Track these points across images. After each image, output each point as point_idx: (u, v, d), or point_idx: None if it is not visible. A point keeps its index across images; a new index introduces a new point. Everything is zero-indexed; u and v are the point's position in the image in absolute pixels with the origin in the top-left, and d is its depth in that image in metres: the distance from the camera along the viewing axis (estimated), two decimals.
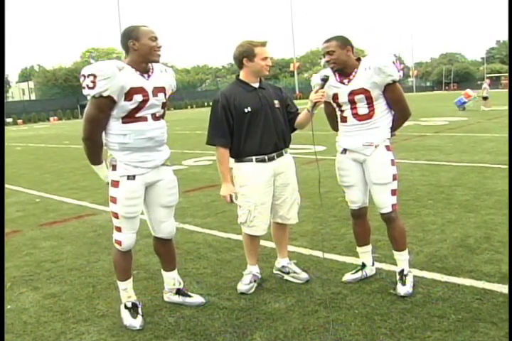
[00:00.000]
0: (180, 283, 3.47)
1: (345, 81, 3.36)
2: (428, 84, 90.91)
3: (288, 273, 3.73)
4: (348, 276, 3.65)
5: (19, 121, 42.56)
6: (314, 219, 5.33)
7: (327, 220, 5.32)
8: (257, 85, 3.48)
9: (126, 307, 3.24)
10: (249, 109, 3.39)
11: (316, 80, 3.47)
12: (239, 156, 3.49)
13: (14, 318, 3.34)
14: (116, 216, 3.12)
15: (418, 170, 7.85)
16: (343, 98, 3.38)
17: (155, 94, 3.02)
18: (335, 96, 3.42)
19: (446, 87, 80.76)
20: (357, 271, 3.67)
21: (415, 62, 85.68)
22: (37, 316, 3.37)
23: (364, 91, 3.29)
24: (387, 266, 3.84)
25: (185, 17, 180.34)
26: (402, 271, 3.46)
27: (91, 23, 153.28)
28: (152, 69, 3.07)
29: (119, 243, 3.16)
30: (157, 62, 3.05)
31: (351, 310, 3.17)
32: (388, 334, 2.85)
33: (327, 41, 3.32)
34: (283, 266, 3.76)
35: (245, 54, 3.37)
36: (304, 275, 3.69)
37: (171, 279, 3.45)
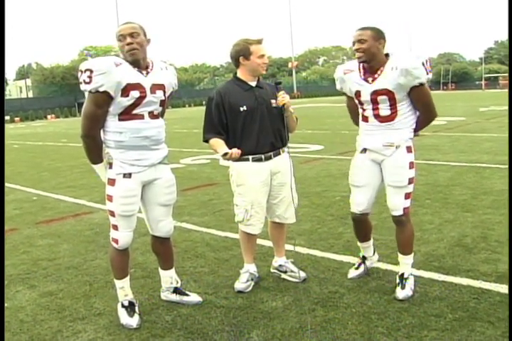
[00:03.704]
0: (177, 282, 3.47)
1: (370, 79, 3.23)
2: None
3: (285, 272, 3.73)
4: (353, 273, 3.66)
5: (16, 118, 42.41)
6: (312, 218, 5.33)
7: (324, 219, 5.32)
8: (254, 84, 3.47)
9: (123, 305, 3.23)
10: (244, 107, 3.38)
11: (339, 73, 3.42)
12: None
13: (11, 316, 3.34)
14: (112, 214, 3.11)
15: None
16: (365, 96, 3.27)
17: (153, 91, 3.00)
18: (357, 94, 3.32)
19: (445, 87, 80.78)
20: (359, 265, 3.69)
21: None
22: (33, 314, 3.36)
23: (388, 93, 3.17)
24: (384, 266, 3.84)
25: (183, 15, 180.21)
26: (403, 274, 3.41)
27: (89, 20, 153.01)
28: (152, 66, 3.05)
29: (116, 241, 3.16)
30: (132, 59, 2.92)
31: (348, 309, 3.18)
32: (385, 333, 2.85)
33: (361, 29, 3.18)
34: (280, 265, 3.76)
35: (241, 52, 3.37)
36: (302, 275, 3.69)
37: (169, 278, 3.45)
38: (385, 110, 3.24)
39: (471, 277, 3.56)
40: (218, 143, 3.40)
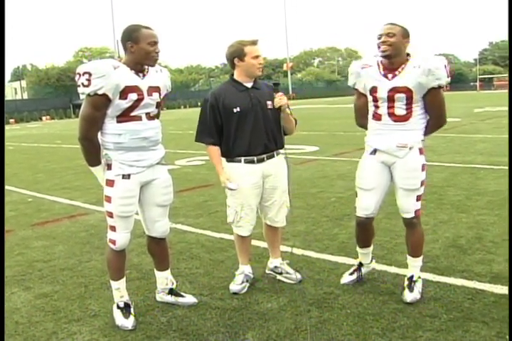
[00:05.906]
0: (173, 283, 3.47)
1: (389, 75, 3.14)
2: None
3: (281, 273, 3.73)
4: (346, 278, 3.62)
5: (11, 120, 42.26)
6: (307, 220, 5.34)
7: (319, 220, 5.32)
8: (250, 85, 3.46)
9: (118, 307, 3.23)
10: (238, 109, 3.38)
11: (355, 68, 3.31)
12: (228, 156, 3.48)
13: (6, 318, 3.32)
14: (111, 215, 3.11)
15: None
16: (382, 93, 3.16)
17: (149, 94, 3.03)
18: (373, 90, 3.21)
19: None
20: (354, 271, 3.65)
21: None
22: (28, 316, 3.36)
23: (407, 91, 3.10)
24: (379, 266, 3.84)
25: (179, 16, 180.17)
26: (412, 277, 3.38)
27: (84, 22, 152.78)
28: (147, 69, 3.08)
29: (114, 242, 3.16)
30: (152, 66, 3.06)
31: (343, 310, 3.18)
32: (380, 334, 2.86)
33: (391, 24, 3.10)
34: (275, 267, 3.76)
35: (236, 54, 3.37)
36: (297, 276, 3.69)
37: (164, 279, 3.45)
38: (400, 109, 3.16)
39: (466, 277, 3.57)
40: (219, 164, 3.47)
